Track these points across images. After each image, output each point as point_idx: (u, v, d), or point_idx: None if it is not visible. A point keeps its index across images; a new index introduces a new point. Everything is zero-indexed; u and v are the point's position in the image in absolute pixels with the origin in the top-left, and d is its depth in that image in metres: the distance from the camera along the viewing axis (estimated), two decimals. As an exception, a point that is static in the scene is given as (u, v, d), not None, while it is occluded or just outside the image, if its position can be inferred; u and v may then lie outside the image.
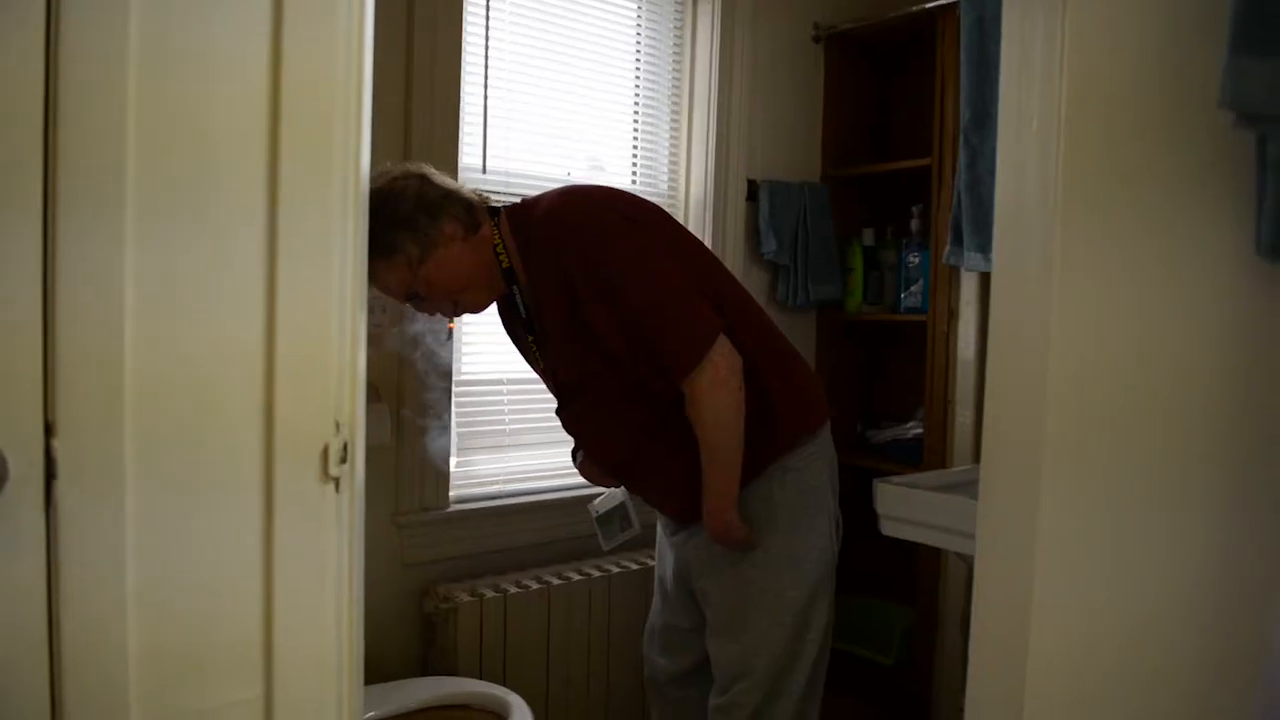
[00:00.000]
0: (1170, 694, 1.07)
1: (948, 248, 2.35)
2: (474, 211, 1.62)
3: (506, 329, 1.84)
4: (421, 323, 2.06)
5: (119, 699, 0.79)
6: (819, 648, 1.68)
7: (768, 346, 1.69)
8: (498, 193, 2.24)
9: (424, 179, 1.59)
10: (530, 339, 1.73)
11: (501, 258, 1.63)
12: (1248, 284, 0.98)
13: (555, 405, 1.80)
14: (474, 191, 1.66)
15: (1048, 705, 1.05)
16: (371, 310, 2.00)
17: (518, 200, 1.72)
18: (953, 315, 2.54)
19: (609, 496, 2.00)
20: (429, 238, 1.55)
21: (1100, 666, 1.07)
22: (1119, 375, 1.04)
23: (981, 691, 1.12)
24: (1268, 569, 0.99)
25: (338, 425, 0.86)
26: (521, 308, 1.68)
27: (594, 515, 2.00)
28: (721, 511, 1.60)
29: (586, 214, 1.58)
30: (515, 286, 1.66)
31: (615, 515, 2.00)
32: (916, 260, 2.67)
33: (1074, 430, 1.03)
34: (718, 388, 1.54)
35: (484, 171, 2.23)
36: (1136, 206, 0.99)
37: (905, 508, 1.84)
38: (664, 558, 1.87)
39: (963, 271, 2.46)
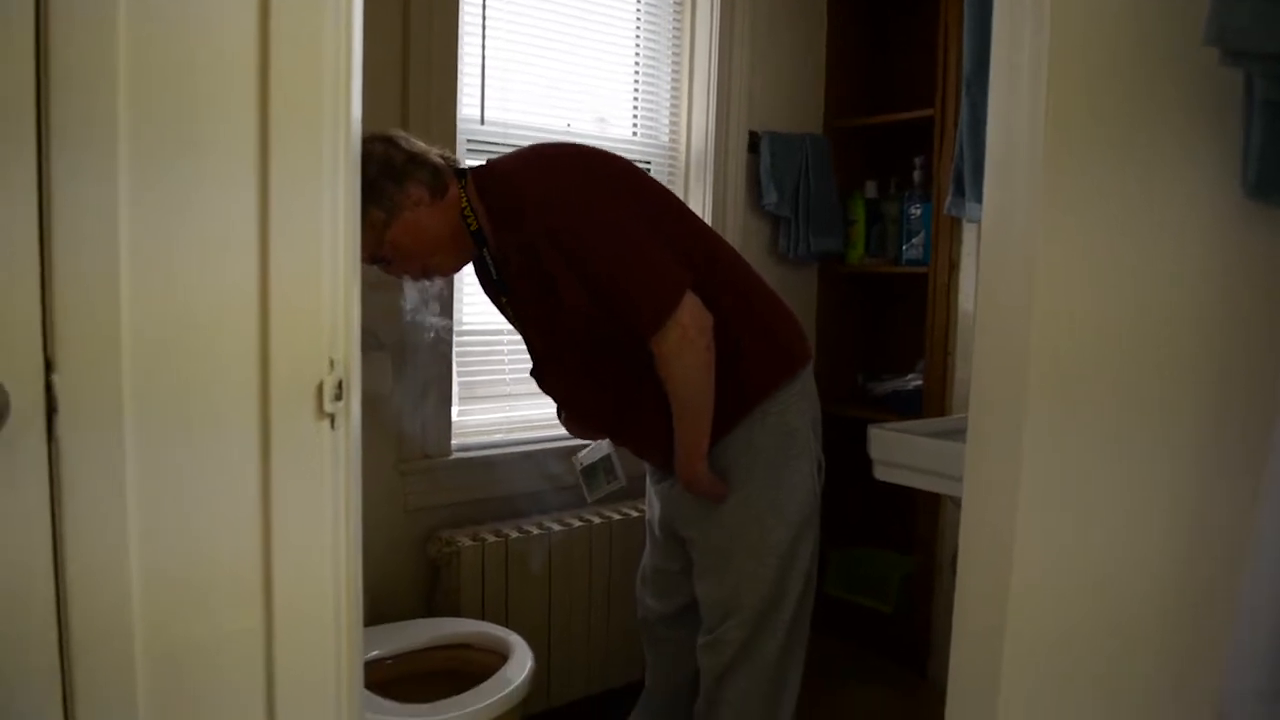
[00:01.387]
0: (1143, 634, 1.10)
1: (949, 198, 2.34)
2: (440, 175, 1.62)
3: (483, 288, 1.85)
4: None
5: (123, 628, 0.82)
6: (804, 586, 1.71)
7: (742, 296, 1.69)
8: (496, 144, 2.24)
9: (390, 142, 1.60)
10: (503, 299, 1.76)
11: (470, 220, 1.63)
12: (1233, 224, 0.98)
13: (530, 367, 1.81)
14: (441, 154, 1.66)
15: (1027, 641, 1.08)
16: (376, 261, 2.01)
17: (483, 162, 1.72)
18: (954, 267, 2.54)
19: (594, 449, 2.02)
20: (394, 202, 1.56)
21: (1078, 604, 1.09)
22: (1103, 320, 1.05)
23: (966, 626, 1.14)
24: (1240, 516, 1.00)
25: (332, 363, 0.87)
26: (492, 269, 1.69)
27: (579, 468, 2.03)
28: (691, 464, 1.63)
29: (549, 177, 1.59)
30: (485, 249, 1.66)
31: (600, 468, 2.01)
32: (918, 212, 2.66)
33: (1057, 374, 1.04)
34: (685, 347, 1.55)
35: (482, 123, 2.22)
36: (1122, 151, 0.99)
37: (898, 453, 1.86)
38: (652, 504, 1.90)
39: (964, 223, 2.45)
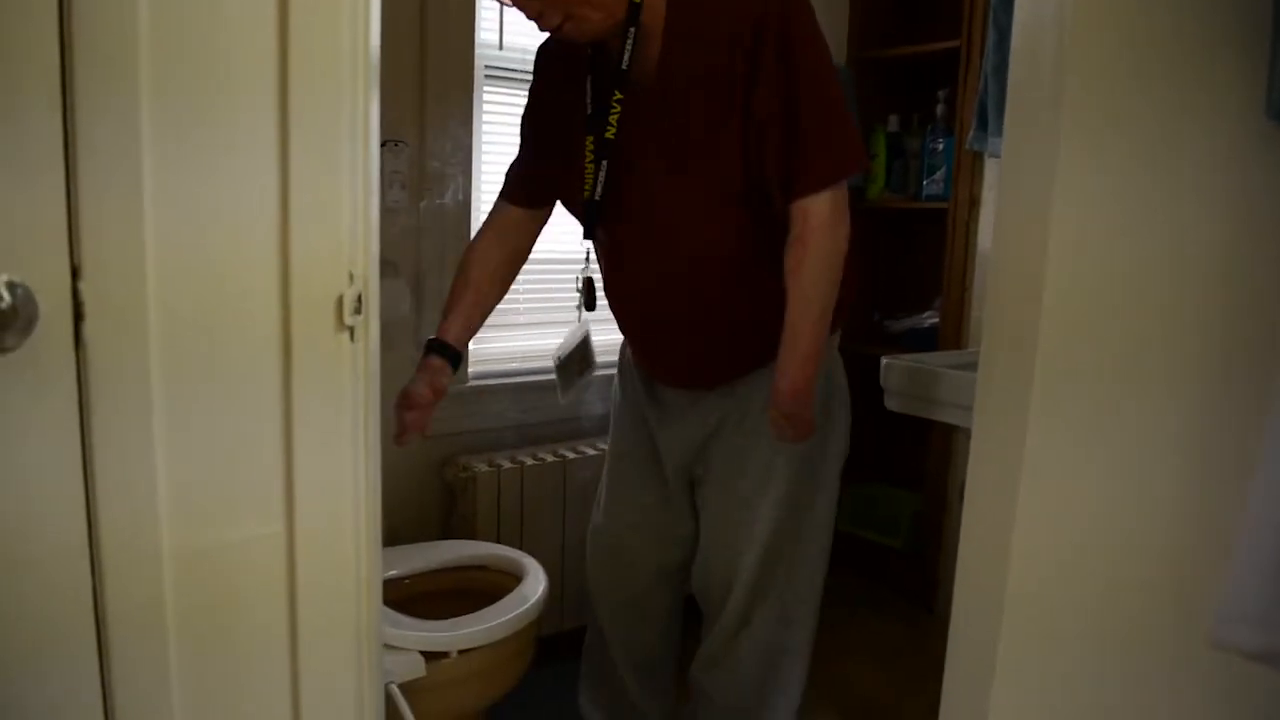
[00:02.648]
0: (1147, 562, 1.11)
1: (972, 132, 2.31)
2: None
3: (540, 104, 1.59)
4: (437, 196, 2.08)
5: (151, 532, 0.85)
6: (829, 537, 1.67)
7: None
8: (515, 70, 2.22)
9: None
10: (591, 111, 1.46)
11: None
12: (1256, 149, 0.97)
13: (588, 224, 1.54)
14: None
15: (1032, 564, 1.10)
16: (390, 186, 2.02)
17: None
18: (974, 203, 2.52)
19: (568, 342, 1.76)
20: None
21: (1082, 535, 1.10)
22: (1117, 255, 1.04)
23: (972, 550, 1.17)
24: (1244, 450, 1.01)
25: (351, 276, 0.89)
26: (626, 54, 1.39)
27: (555, 363, 1.76)
28: (806, 371, 1.42)
29: None
30: (633, 28, 1.39)
31: (574, 359, 1.73)
32: (940, 146, 2.63)
33: (1069, 308, 1.05)
34: (838, 220, 1.39)
35: (500, 48, 2.20)
36: (1144, 81, 0.98)
37: (910, 383, 1.87)
38: (665, 446, 1.70)
39: (986, 159, 2.43)
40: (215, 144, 0.82)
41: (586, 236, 1.57)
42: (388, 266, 2.02)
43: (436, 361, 1.52)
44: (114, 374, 0.80)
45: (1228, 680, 1.10)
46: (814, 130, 1.35)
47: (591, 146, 1.45)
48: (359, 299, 0.90)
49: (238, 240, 0.84)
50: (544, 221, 1.66)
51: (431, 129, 2.09)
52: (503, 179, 1.66)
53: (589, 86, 1.47)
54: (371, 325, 0.94)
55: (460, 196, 2.16)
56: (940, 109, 2.66)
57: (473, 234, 2.17)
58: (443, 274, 2.15)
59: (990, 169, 2.44)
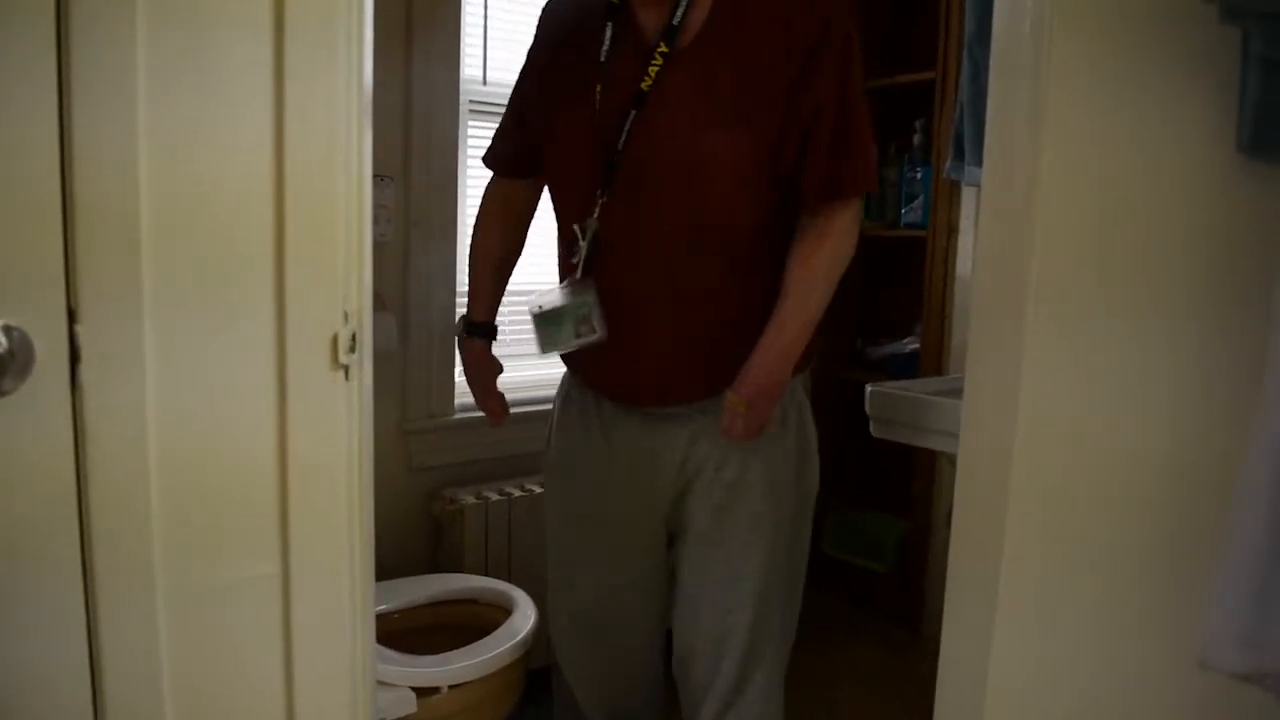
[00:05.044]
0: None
1: (948, 161, 2.35)
2: None
3: (550, 62, 1.51)
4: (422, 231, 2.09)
5: (144, 571, 0.84)
6: (805, 559, 1.58)
7: None
8: (498, 105, 2.24)
9: None
10: (605, 61, 1.39)
11: None
12: (1230, 182, 1.00)
13: (608, 173, 1.38)
14: None
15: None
16: (376, 220, 2.02)
17: None
18: (952, 231, 2.56)
19: (564, 293, 1.47)
20: None
21: (1069, 547, 1.11)
22: (1102, 262, 1.06)
23: (961, 574, 1.18)
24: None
25: (346, 315, 0.89)
26: (681, 9, 1.34)
27: (534, 313, 1.49)
28: (784, 377, 1.39)
29: None
30: None
31: (568, 315, 1.45)
32: (918, 175, 2.67)
33: (1054, 315, 1.07)
34: (850, 234, 1.40)
35: (484, 83, 2.23)
36: (1123, 111, 1.01)
37: (894, 410, 1.88)
38: (620, 494, 1.53)
39: (963, 187, 2.46)
40: (211, 167, 0.83)
41: (606, 185, 1.37)
42: (375, 300, 2.03)
43: (481, 344, 1.61)
44: (109, 416, 0.81)
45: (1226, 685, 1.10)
46: (856, 140, 1.35)
47: (599, 101, 1.38)
48: (353, 338, 0.91)
49: (234, 284, 0.85)
50: (544, 187, 1.60)
51: (417, 163, 2.11)
52: (493, 159, 1.61)
53: (607, 37, 1.39)
54: (365, 364, 0.95)
55: (446, 230, 2.18)
56: (917, 139, 2.70)
57: (459, 266, 2.18)
58: (429, 308, 2.16)
59: (968, 197, 2.48)
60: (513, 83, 1.58)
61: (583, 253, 1.39)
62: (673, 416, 1.46)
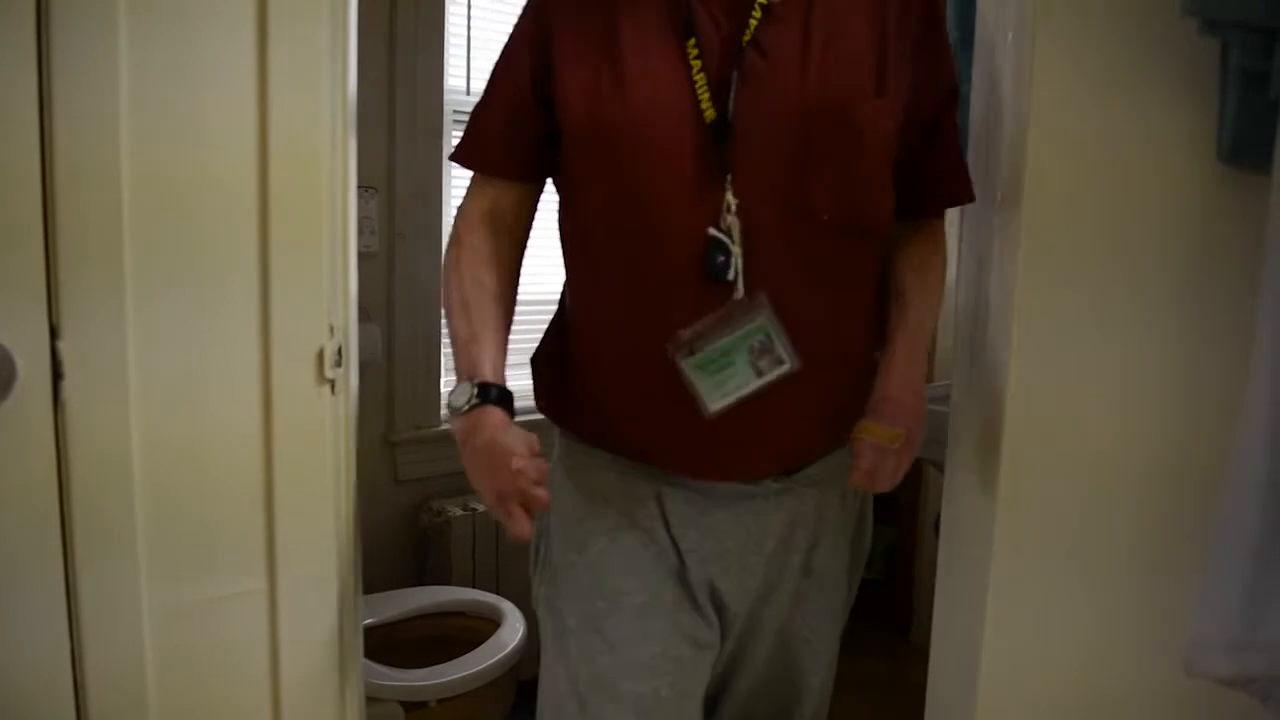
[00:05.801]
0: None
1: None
2: None
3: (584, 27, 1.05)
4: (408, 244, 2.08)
5: (129, 589, 0.84)
6: None
7: None
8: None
9: None
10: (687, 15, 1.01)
11: None
12: (1211, 189, 1.01)
13: (720, 149, 0.99)
14: None
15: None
16: (361, 232, 2.02)
17: None
18: (937, 238, 2.57)
19: (701, 334, 1.00)
20: None
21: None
22: (1082, 257, 1.06)
23: (951, 581, 1.18)
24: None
25: (331, 329, 0.89)
26: None
27: (684, 356, 0.99)
28: (923, 399, 1.09)
29: None
30: None
31: (738, 352, 1.01)
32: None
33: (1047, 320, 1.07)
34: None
35: (468, 93, 2.23)
36: (1105, 119, 1.01)
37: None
38: (686, 551, 1.08)
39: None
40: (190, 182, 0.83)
41: (722, 169, 0.99)
42: (359, 311, 2.02)
43: (501, 415, 1.00)
44: (93, 433, 0.80)
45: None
46: (956, 145, 1.12)
47: (696, 53, 1.01)
48: (339, 352, 0.90)
49: (221, 297, 0.84)
50: (540, 195, 1.16)
51: (400, 174, 2.11)
52: (480, 154, 1.11)
53: None
54: (351, 379, 0.94)
55: (431, 241, 2.17)
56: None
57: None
58: (414, 318, 2.15)
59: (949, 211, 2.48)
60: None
61: (738, 261, 0.99)
62: (777, 491, 1.08)
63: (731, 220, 0.98)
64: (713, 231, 0.98)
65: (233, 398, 0.85)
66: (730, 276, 0.98)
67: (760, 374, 1.01)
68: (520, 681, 1.77)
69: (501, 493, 0.93)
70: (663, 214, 1.00)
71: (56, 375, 0.78)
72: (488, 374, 1.02)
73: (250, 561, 0.90)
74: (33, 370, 0.77)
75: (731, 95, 0.99)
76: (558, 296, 1.18)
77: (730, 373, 1.01)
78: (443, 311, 1.13)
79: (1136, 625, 1.12)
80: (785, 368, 1.00)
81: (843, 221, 1.02)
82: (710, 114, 0.99)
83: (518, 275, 1.14)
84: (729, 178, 0.98)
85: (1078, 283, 1.06)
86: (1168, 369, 1.08)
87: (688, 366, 0.99)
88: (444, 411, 2.23)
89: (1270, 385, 0.88)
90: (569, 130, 1.03)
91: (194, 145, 0.81)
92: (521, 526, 0.93)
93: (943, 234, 1.16)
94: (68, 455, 0.79)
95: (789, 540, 1.10)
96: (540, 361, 1.20)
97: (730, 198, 0.98)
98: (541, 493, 0.93)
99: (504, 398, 1.02)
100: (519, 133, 1.08)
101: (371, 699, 1.49)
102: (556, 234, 1.12)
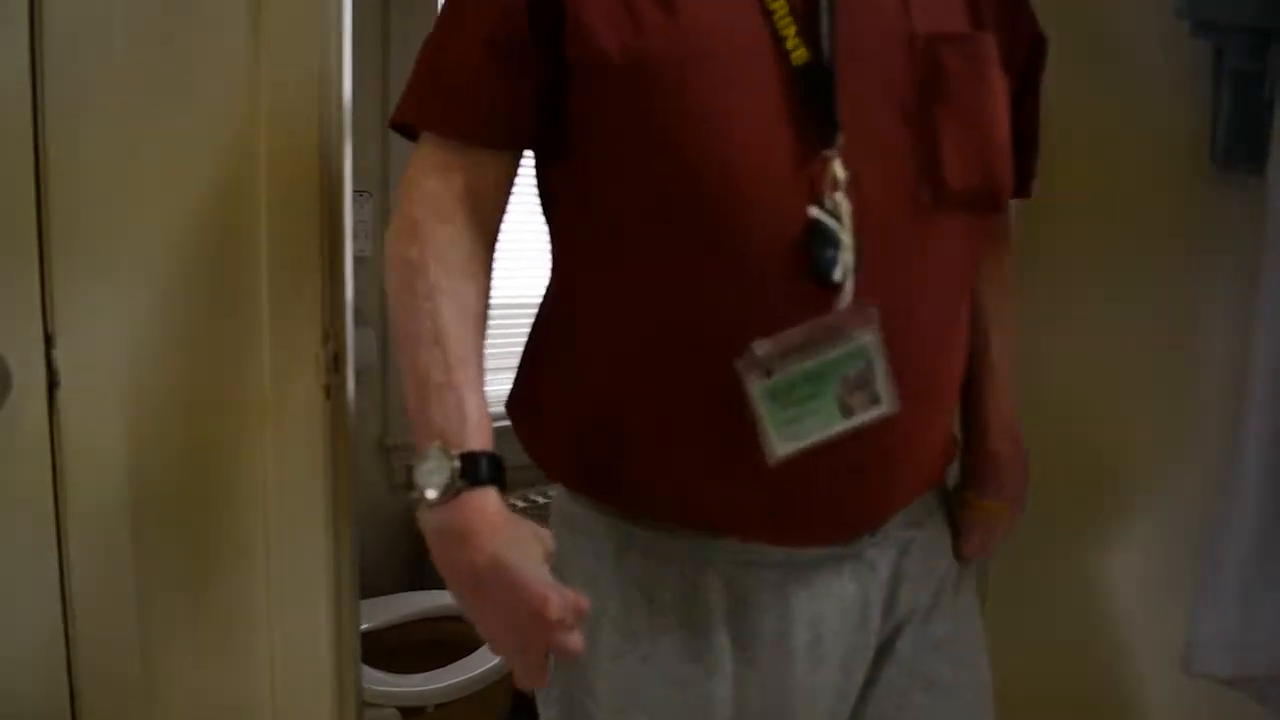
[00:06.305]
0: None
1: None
2: None
3: None
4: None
5: (123, 597, 0.83)
6: None
7: None
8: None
9: None
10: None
11: None
12: (1206, 190, 1.01)
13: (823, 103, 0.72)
14: None
15: (1006, 620, 1.09)
16: (355, 236, 2.02)
17: None
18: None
19: (783, 351, 0.72)
20: None
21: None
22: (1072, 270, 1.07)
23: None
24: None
25: (327, 335, 0.89)
26: None
27: (758, 386, 0.72)
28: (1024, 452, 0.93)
29: None
30: None
31: (829, 380, 0.74)
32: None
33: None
34: None
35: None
36: (1100, 122, 1.02)
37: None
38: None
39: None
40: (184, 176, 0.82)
41: (825, 131, 0.72)
42: (355, 315, 2.02)
43: (495, 503, 0.71)
44: (88, 440, 0.79)
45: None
46: (1038, 116, 0.90)
47: None
48: (335, 358, 0.90)
49: (217, 301, 0.84)
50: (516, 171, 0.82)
51: (395, 178, 2.10)
52: (454, 114, 0.77)
53: None
54: (347, 384, 0.94)
55: (424, 244, 2.16)
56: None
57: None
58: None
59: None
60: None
61: (849, 255, 0.71)
62: (873, 547, 0.82)
63: (839, 199, 0.72)
64: (816, 214, 0.71)
65: (229, 404, 0.85)
66: (838, 277, 0.71)
67: (848, 414, 0.75)
68: (516, 687, 1.76)
69: (528, 645, 0.68)
70: (737, 189, 0.71)
71: (52, 383, 0.77)
72: (471, 439, 0.73)
73: (246, 567, 0.89)
74: (28, 378, 0.76)
75: (824, 28, 0.73)
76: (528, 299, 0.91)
77: (812, 407, 0.75)
78: (394, 333, 0.83)
79: (1136, 625, 1.12)
80: (880, 410, 0.74)
81: (976, 190, 0.77)
82: (801, 54, 0.73)
83: (487, 271, 0.82)
84: (839, 140, 0.71)
85: (1073, 283, 1.07)
86: (1164, 368, 1.08)
87: (757, 391, 0.72)
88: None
89: (1267, 385, 0.88)
90: (593, 73, 0.73)
91: (189, 152, 0.81)
92: (544, 679, 0.70)
93: (1008, 231, 0.93)
94: (63, 462, 0.79)
95: (899, 597, 0.83)
96: (534, 413, 0.94)
97: (838, 169, 0.71)
98: (579, 640, 0.67)
99: (495, 472, 0.73)
100: (508, 82, 0.75)
101: (369, 704, 1.49)
102: (537, 224, 0.85)
